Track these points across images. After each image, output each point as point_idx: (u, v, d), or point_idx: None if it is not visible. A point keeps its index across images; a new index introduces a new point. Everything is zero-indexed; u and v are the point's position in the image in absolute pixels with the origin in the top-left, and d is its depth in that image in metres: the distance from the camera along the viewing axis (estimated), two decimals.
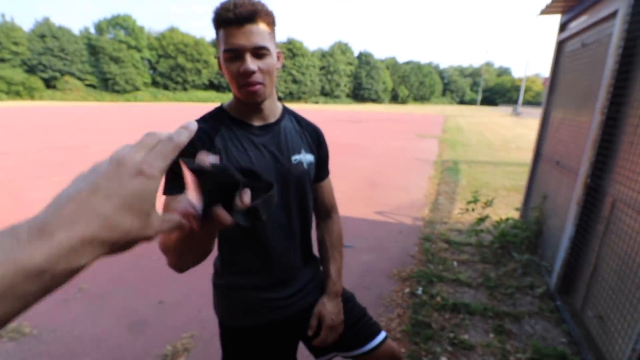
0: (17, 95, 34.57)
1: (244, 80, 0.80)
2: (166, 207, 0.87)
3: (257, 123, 0.91)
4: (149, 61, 45.07)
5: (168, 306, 2.29)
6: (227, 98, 48.84)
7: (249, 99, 0.84)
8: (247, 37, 0.77)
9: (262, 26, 0.79)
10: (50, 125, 13.35)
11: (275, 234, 0.92)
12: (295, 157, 0.93)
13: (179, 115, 20.57)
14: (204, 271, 2.98)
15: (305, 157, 0.95)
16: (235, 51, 0.78)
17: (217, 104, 0.94)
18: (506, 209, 4.30)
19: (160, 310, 2.25)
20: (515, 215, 3.74)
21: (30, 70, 36.79)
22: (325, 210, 1.08)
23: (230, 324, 0.98)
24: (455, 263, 2.91)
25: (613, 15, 1.89)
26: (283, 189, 0.91)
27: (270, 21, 0.82)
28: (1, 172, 5.75)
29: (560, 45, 2.95)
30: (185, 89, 46.50)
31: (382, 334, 1.04)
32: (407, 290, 2.50)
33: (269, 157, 0.89)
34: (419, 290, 2.47)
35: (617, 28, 1.79)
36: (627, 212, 1.61)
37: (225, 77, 0.85)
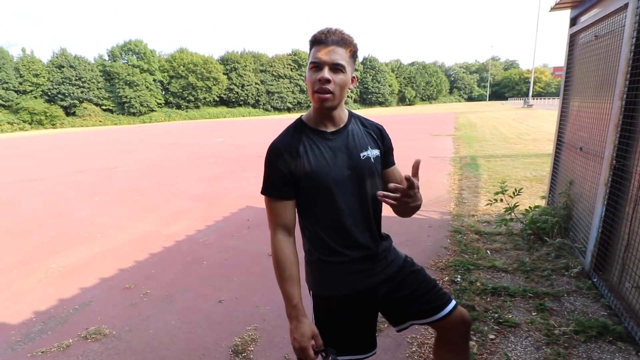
0: (40, 124, 36.22)
1: (318, 86, 0.99)
2: (273, 206, 1.10)
3: (329, 129, 1.10)
4: (161, 82, 46.55)
5: (227, 304, 2.50)
6: (237, 112, 49.74)
7: (319, 104, 1.02)
8: (330, 55, 0.98)
9: (343, 51, 1.00)
10: (76, 150, 14.02)
11: (351, 219, 1.10)
12: (364, 153, 1.10)
13: (195, 132, 21.19)
14: (256, 272, 3.22)
15: (372, 152, 1.12)
16: (318, 63, 0.99)
17: (227, 119, 1.16)
18: (530, 198, 4.38)
19: (221, 308, 2.46)
20: (541, 203, 3.83)
21: (51, 99, 38.48)
22: None
23: (323, 295, 1.16)
24: (488, 252, 3.03)
25: (624, 7, 2.04)
26: (356, 181, 1.09)
27: (352, 49, 1.02)
28: (45, 196, 6.16)
29: (573, 38, 3.08)
30: (197, 107, 47.70)
31: (453, 303, 1.17)
32: (446, 278, 2.65)
33: (341, 156, 1.08)
34: (458, 278, 2.61)
35: (629, 20, 1.94)
36: None
37: (307, 86, 1.05)
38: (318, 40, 0.99)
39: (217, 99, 49.53)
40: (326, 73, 0.98)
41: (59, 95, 38.95)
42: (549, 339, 1.91)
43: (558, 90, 3.40)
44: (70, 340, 2.18)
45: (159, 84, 46.19)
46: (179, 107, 47.19)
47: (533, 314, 2.15)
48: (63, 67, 39.20)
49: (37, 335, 2.26)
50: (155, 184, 6.84)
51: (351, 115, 1.17)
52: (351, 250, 1.12)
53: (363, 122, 1.19)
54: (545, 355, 1.81)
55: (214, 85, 47.47)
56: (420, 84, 68.61)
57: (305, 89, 56.31)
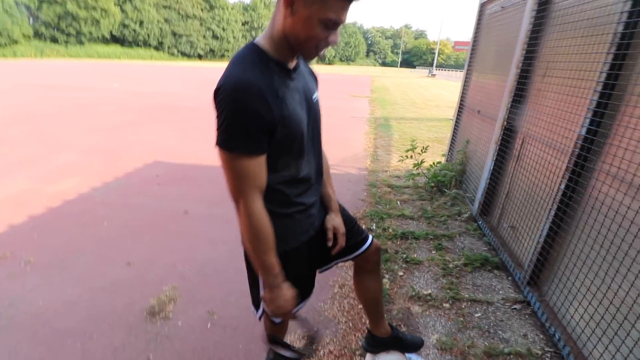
0: None
1: (322, 47, 0.86)
2: (247, 165, 0.85)
3: (290, 66, 0.92)
4: (28, 8, 36.55)
5: (138, 266, 2.27)
6: (134, 53, 42.75)
7: (308, 58, 0.91)
8: (346, 15, 0.84)
9: None
10: None
11: (309, 166, 1.04)
12: (314, 96, 1.03)
13: (81, 73, 17.63)
14: (171, 230, 2.98)
15: (317, 95, 1.06)
16: (337, 25, 0.82)
17: (122, 61, 0.88)
18: (433, 156, 4.92)
19: (131, 271, 2.22)
20: (442, 160, 4.35)
21: None
22: None
23: (284, 250, 1.02)
24: (398, 202, 3.35)
25: None
26: (312, 126, 1.02)
27: None
28: None
29: (482, 8, 3.36)
30: (81, 42, 39.28)
31: (370, 237, 1.29)
32: (363, 227, 2.84)
33: (303, 99, 0.95)
34: (373, 226, 2.84)
35: None
36: (533, 144, 2.10)
37: (296, 27, 0.81)
38: None
39: (108, 37, 41.63)
40: (339, 36, 0.86)
41: None
42: (445, 272, 2.26)
43: (457, 63, 3.76)
44: None
45: (24, 8, 36.27)
46: (54, 40, 38.27)
47: (433, 252, 2.50)
48: None
49: None
50: (29, 133, 5.57)
51: None
52: (306, 198, 1.06)
53: (304, 60, 1.05)
54: (442, 285, 2.13)
55: (103, 17, 39.47)
56: (340, 44, 68.77)
57: (219, 35, 51.24)
